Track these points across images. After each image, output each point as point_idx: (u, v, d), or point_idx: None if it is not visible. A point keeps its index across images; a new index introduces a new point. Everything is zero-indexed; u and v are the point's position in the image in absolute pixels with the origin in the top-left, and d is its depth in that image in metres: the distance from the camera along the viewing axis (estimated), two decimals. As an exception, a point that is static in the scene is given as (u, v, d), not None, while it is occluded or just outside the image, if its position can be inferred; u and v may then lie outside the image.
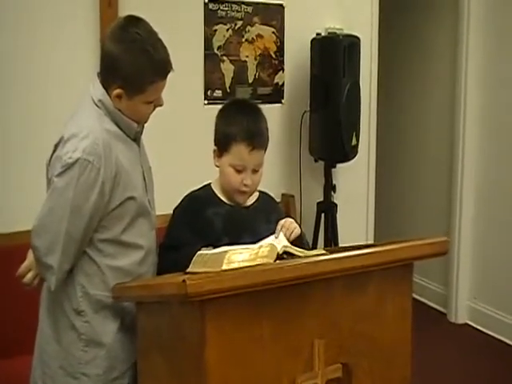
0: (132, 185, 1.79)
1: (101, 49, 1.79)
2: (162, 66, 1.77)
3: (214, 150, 1.96)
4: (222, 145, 1.93)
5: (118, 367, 1.85)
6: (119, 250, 1.80)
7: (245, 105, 2.08)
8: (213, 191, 1.99)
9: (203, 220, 1.92)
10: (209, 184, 2.01)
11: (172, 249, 1.89)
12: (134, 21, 1.78)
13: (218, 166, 1.96)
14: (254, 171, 1.92)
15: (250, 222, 1.95)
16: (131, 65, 1.72)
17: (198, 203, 1.96)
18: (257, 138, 1.90)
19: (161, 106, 1.85)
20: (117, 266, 1.80)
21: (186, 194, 2.00)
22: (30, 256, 1.83)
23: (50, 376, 1.86)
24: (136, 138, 1.87)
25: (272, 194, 2.13)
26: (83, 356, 1.82)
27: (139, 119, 1.84)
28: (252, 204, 2.00)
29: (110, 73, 1.77)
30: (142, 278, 1.85)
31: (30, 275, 1.84)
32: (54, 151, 1.75)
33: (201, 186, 2.02)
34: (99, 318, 1.82)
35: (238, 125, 1.90)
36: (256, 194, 2.04)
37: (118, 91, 1.76)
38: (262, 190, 2.07)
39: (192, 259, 1.69)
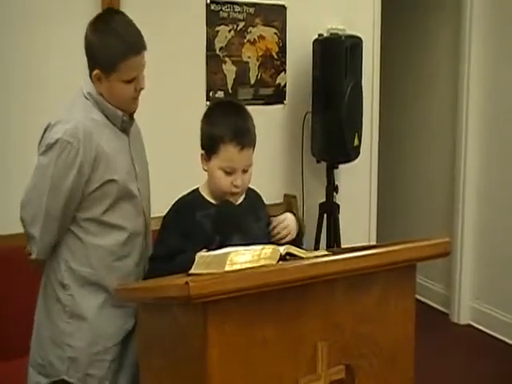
0: (112, 168, 1.87)
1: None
2: (131, 43, 1.85)
3: (202, 155, 1.94)
4: (210, 148, 1.90)
5: (100, 343, 1.93)
6: (101, 229, 1.90)
7: (229, 105, 2.04)
8: (201, 195, 1.96)
9: (193, 224, 1.89)
10: (196, 188, 1.99)
11: (167, 258, 1.84)
12: (111, 12, 1.97)
13: (206, 170, 1.94)
14: (244, 171, 1.90)
15: (239, 220, 1.92)
16: (102, 45, 1.84)
17: (186, 208, 1.94)
18: (245, 137, 1.88)
19: (142, 89, 1.92)
20: (99, 244, 1.90)
21: (174, 201, 1.98)
22: None
23: (42, 347, 1.96)
24: (125, 129, 1.97)
25: (258, 190, 2.09)
26: (67, 327, 1.92)
27: (121, 103, 1.91)
28: (240, 202, 1.97)
29: (89, 59, 1.89)
30: (127, 261, 1.94)
31: None
32: (43, 136, 1.87)
33: (189, 191, 2.00)
34: (83, 293, 1.91)
35: (225, 125, 1.87)
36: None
37: (95, 72, 1.87)
38: (250, 186, 2.03)
39: (188, 266, 1.67)
